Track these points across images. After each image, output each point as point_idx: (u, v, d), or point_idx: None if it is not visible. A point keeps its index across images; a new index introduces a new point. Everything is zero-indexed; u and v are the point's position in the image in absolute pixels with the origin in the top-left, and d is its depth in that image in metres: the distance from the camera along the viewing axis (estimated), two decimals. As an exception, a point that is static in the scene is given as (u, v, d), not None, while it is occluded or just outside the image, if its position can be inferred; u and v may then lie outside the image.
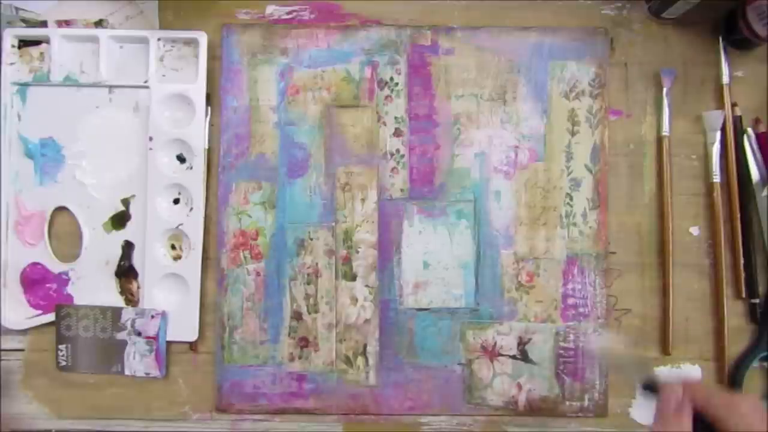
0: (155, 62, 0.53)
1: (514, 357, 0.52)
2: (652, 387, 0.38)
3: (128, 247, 0.53)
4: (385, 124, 0.54)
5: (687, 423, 0.34)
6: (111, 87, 0.54)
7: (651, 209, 0.54)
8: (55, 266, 0.53)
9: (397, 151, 0.54)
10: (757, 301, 0.53)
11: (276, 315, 0.53)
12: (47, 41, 0.53)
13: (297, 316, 0.53)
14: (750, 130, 0.54)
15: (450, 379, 0.52)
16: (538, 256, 0.53)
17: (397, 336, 0.53)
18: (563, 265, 0.53)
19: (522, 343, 0.52)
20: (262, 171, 0.53)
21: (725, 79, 0.53)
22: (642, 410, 0.52)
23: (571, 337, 0.52)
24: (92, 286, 0.53)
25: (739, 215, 0.53)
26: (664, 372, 0.47)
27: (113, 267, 0.53)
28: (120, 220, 0.53)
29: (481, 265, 0.53)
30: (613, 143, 0.54)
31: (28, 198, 0.53)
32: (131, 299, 0.53)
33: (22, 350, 0.53)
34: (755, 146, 0.53)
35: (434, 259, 0.53)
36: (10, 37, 0.53)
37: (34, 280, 0.53)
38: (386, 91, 0.54)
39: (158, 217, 0.52)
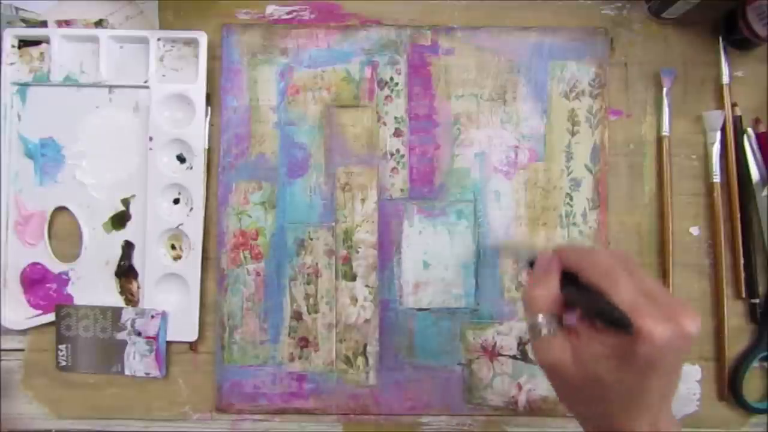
0: (155, 62, 0.53)
1: (514, 357, 0.52)
2: (533, 263, 0.39)
3: (128, 247, 0.53)
4: (385, 124, 0.54)
5: (554, 280, 0.35)
6: (111, 87, 0.54)
7: (651, 209, 0.54)
8: (55, 266, 0.53)
9: (397, 151, 0.54)
10: (757, 301, 0.53)
11: (276, 315, 0.53)
12: (47, 41, 0.53)
13: (297, 316, 0.53)
14: (750, 130, 0.54)
15: (450, 379, 0.52)
16: (538, 256, 0.53)
17: (397, 336, 0.53)
18: (563, 265, 0.53)
19: (522, 343, 0.52)
20: (262, 171, 0.53)
21: (725, 79, 0.53)
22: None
23: (571, 337, 0.52)
24: (92, 286, 0.53)
25: (739, 215, 0.53)
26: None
27: (113, 267, 0.53)
28: (120, 220, 0.53)
29: (481, 265, 0.53)
30: (613, 143, 0.54)
31: (28, 198, 0.53)
32: (131, 299, 0.53)
33: (22, 350, 0.53)
34: (755, 146, 0.53)
35: (434, 259, 0.53)
36: (10, 37, 0.53)
37: (34, 280, 0.53)
38: (386, 91, 0.54)
39: (158, 217, 0.52)
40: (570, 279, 0.35)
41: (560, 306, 0.35)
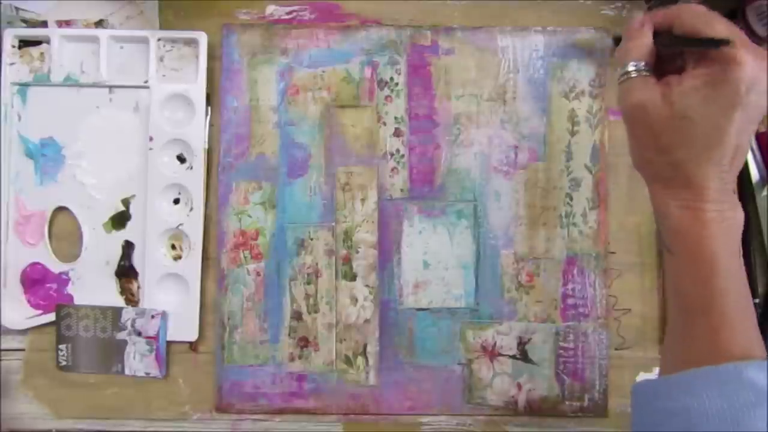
0: (155, 62, 0.53)
1: (514, 357, 0.52)
2: (618, 39, 0.41)
3: (128, 247, 0.53)
4: (385, 124, 0.54)
5: (647, 33, 0.36)
6: (111, 87, 0.54)
7: (651, 209, 0.53)
8: (55, 266, 0.53)
9: (397, 151, 0.54)
10: (756, 301, 0.53)
11: (276, 315, 0.53)
12: (47, 41, 0.53)
13: (297, 316, 0.53)
14: (750, 130, 0.54)
15: (450, 379, 0.52)
16: (538, 256, 0.53)
17: (397, 336, 0.53)
18: (563, 265, 0.53)
19: (522, 343, 0.52)
20: (262, 171, 0.53)
21: (725, 79, 0.53)
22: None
23: (571, 337, 0.52)
24: (92, 286, 0.53)
25: (739, 215, 0.53)
26: None
27: (113, 267, 0.53)
28: (120, 220, 0.53)
29: (481, 265, 0.53)
30: (613, 143, 0.54)
31: (28, 198, 0.53)
32: (131, 299, 0.53)
33: (22, 350, 0.53)
34: (755, 146, 0.53)
35: (434, 259, 0.53)
36: (11, 37, 0.53)
37: (34, 280, 0.53)
38: (386, 91, 0.54)
39: (158, 217, 0.52)
40: (664, 35, 0.37)
41: (653, 57, 0.36)
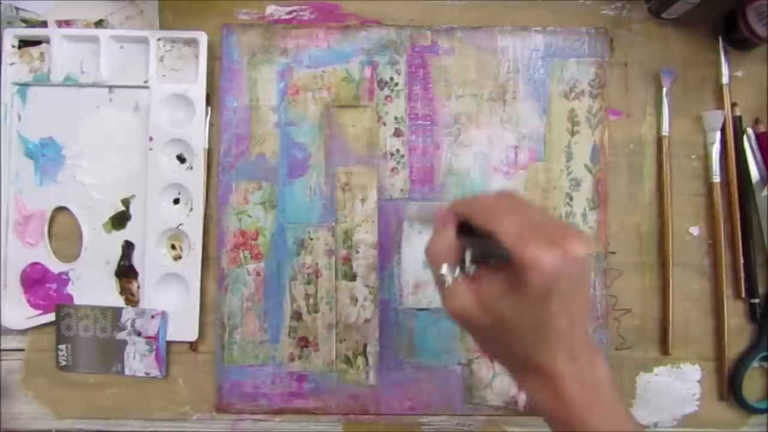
0: (155, 62, 0.53)
1: (514, 357, 0.52)
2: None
3: (128, 247, 0.53)
4: (385, 124, 0.54)
5: (450, 230, 0.36)
6: (111, 87, 0.54)
7: (651, 209, 0.54)
8: (55, 266, 0.53)
9: (397, 151, 0.54)
10: (756, 301, 0.53)
11: (276, 315, 0.53)
12: (47, 41, 0.53)
13: (297, 316, 0.53)
14: (750, 130, 0.54)
15: (450, 379, 0.52)
16: (538, 256, 0.53)
17: (397, 336, 0.53)
18: (563, 265, 0.53)
19: (522, 343, 0.52)
20: (262, 171, 0.53)
21: (725, 79, 0.53)
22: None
23: (571, 337, 0.52)
24: (92, 286, 0.53)
25: (739, 215, 0.53)
26: None
27: (113, 267, 0.53)
28: (120, 220, 0.53)
29: (481, 265, 0.53)
30: (613, 143, 0.54)
31: (28, 198, 0.53)
32: (131, 299, 0.53)
33: (22, 350, 0.53)
34: (755, 146, 0.53)
35: (434, 259, 0.53)
36: (11, 37, 0.53)
37: (34, 280, 0.53)
38: (386, 91, 0.54)
39: (158, 217, 0.52)
40: (468, 229, 0.36)
41: (460, 255, 0.35)
